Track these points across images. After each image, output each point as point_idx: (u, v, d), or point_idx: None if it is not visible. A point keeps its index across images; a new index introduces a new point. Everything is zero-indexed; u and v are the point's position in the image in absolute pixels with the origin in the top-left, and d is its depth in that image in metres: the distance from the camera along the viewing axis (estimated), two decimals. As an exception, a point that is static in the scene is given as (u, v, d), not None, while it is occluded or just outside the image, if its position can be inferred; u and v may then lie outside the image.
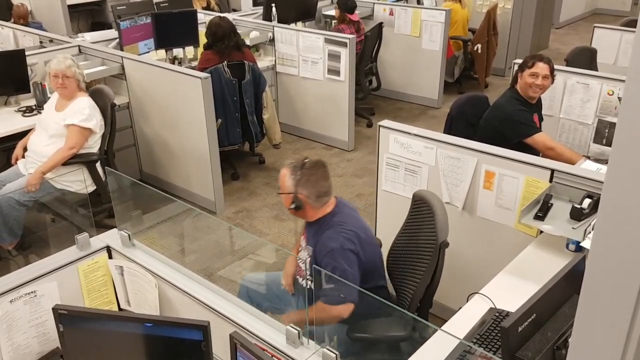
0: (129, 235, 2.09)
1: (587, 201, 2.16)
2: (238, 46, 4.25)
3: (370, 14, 6.07)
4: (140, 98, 4.15)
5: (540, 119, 3.30)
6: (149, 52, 4.72)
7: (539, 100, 3.28)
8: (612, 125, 3.54)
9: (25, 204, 3.30)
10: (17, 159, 3.48)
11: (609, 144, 3.60)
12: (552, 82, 3.18)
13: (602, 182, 2.18)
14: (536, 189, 2.41)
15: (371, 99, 6.04)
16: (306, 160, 2.27)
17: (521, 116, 3.08)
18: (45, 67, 3.21)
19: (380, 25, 5.50)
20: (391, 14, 5.87)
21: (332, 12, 5.81)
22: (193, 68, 4.50)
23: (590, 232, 2.01)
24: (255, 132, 4.42)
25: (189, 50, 4.94)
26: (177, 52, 4.90)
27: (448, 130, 3.36)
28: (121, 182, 2.49)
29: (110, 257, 2.11)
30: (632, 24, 5.28)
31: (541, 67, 3.06)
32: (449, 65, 6.11)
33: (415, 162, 2.81)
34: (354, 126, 5.11)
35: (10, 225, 3.31)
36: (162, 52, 4.83)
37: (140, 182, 2.48)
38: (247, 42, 5.07)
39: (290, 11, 5.66)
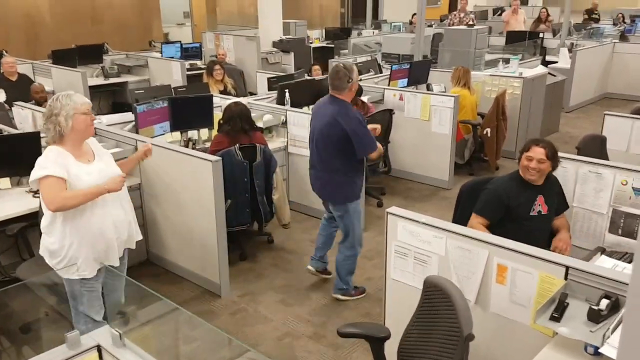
0: (119, 334, 1.98)
1: (604, 302, 2.06)
2: (244, 130, 4.32)
3: (380, 98, 6.20)
4: (151, 179, 4.19)
5: (553, 201, 3.33)
6: (164, 134, 4.81)
7: (551, 182, 3.35)
8: (628, 215, 3.47)
9: None
10: None
11: (625, 235, 3.52)
12: (554, 166, 3.28)
13: (619, 282, 2.10)
14: (551, 286, 2.31)
15: (382, 179, 6.05)
16: None
17: (487, 193, 3.29)
18: (65, 110, 2.70)
19: (390, 112, 5.59)
20: (401, 99, 5.99)
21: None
22: (206, 149, 4.58)
23: (609, 337, 1.91)
24: (264, 212, 4.43)
25: (204, 132, 5.04)
26: (192, 134, 5.00)
27: (458, 211, 3.54)
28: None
29: (100, 357, 2.00)
30: (642, 110, 5.31)
31: (536, 151, 3.20)
32: (459, 148, 6.15)
33: (424, 251, 2.74)
34: (364, 206, 5.07)
35: None
36: (177, 134, 4.93)
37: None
38: (260, 125, 5.19)
39: (303, 95, 5.80)
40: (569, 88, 8.83)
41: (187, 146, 4.82)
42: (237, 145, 4.20)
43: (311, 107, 5.93)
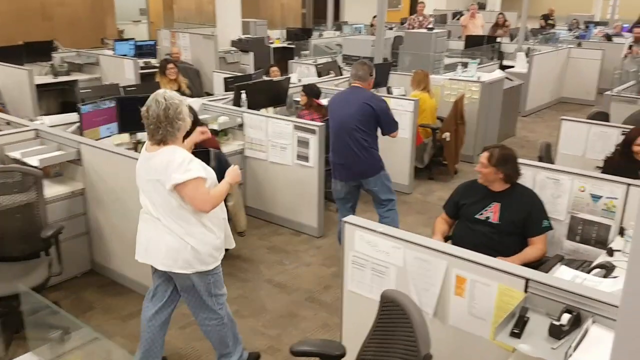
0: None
1: (565, 316, 1.98)
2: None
3: (340, 100, 6.08)
4: (96, 184, 3.95)
5: (515, 215, 3.23)
6: (110, 136, 4.56)
7: (518, 195, 3.28)
8: (586, 222, 3.45)
9: None
10: None
11: (582, 242, 3.50)
12: (504, 174, 3.22)
13: (580, 295, 2.03)
14: (510, 299, 2.23)
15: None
16: None
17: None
18: (184, 109, 2.76)
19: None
20: (361, 101, 5.89)
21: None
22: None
23: (571, 355, 1.83)
24: None
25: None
26: (142, 135, 4.76)
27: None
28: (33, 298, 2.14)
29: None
30: (598, 116, 5.37)
31: (482, 156, 3.30)
32: (419, 152, 6.11)
33: (382, 262, 2.63)
34: (323, 212, 4.95)
35: None
36: (125, 136, 4.69)
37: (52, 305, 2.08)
38: (215, 127, 5.00)
39: (260, 97, 5.64)
40: (525, 92, 8.94)
41: (135, 149, 4.59)
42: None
43: (269, 109, 5.83)
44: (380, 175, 4.23)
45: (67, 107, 6.93)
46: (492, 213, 3.26)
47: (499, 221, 3.23)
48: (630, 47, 9.88)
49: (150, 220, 2.80)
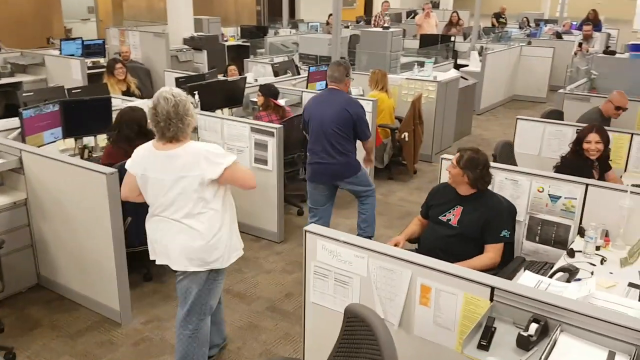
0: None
1: (533, 326, 1.94)
2: (142, 138, 3.90)
3: (298, 101, 5.97)
4: (39, 194, 3.70)
5: (475, 221, 3.18)
6: (55, 141, 4.32)
7: (482, 201, 3.21)
8: (545, 222, 3.46)
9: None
10: None
11: (542, 242, 3.51)
12: (469, 178, 3.15)
13: (547, 304, 1.98)
14: (476, 308, 2.18)
15: (302, 185, 5.82)
16: None
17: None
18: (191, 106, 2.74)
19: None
20: (319, 101, 5.79)
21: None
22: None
23: (541, 367, 1.78)
24: None
25: (101, 139, 4.58)
26: (88, 140, 4.54)
27: None
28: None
29: None
30: (552, 114, 5.45)
31: (454, 156, 3.27)
32: (378, 152, 6.06)
33: (345, 272, 2.54)
34: (283, 217, 4.83)
35: None
36: (70, 141, 4.45)
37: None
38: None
39: (215, 98, 5.46)
40: (479, 91, 9.04)
41: (82, 154, 4.37)
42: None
43: (224, 110, 5.66)
44: (358, 176, 4.30)
45: (12, 110, 6.56)
46: (453, 216, 3.23)
47: (457, 225, 3.19)
48: (580, 44, 10.16)
49: (164, 221, 2.75)
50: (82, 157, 4.37)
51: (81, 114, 4.38)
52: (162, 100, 2.65)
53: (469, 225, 3.16)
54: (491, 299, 2.14)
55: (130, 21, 12.73)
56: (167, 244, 2.76)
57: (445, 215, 3.26)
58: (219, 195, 2.75)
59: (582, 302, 2.09)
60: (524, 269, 2.51)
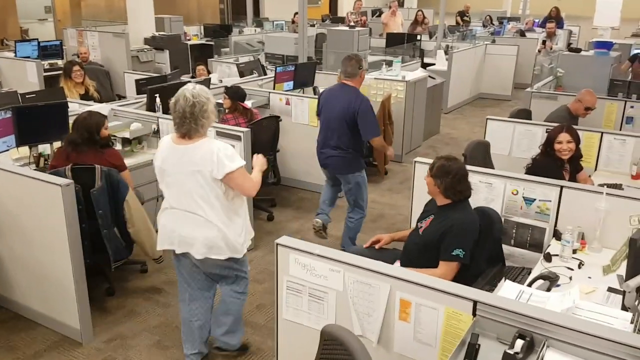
0: None
1: (519, 343, 1.85)
2: (90, 145, 3.73)
3: (266, 103, 5.83)
4: (-10, 208, 3.46)
5: (437, 232, 3.03)
6: (8, 149, 4.06)
7: (447, 214, 3.05)
8: (520, 225, 3.41)
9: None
10: None
11: (517, 245, 3.45)
12: (440, 187, 3.01)
13: (532, 317, 1.90)
14: (458, 322, 2.08)
15: (271, 189, 5.68)
16: None
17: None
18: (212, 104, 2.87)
19: (277, 119, 5.24)
20: (287, 103, 5.66)
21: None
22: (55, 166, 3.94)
23: (531, 389, 1.69)
24: (114, 247, 3.60)
25: (58, 146, 4.33)
26: (44, 148, 4.29)
27: None
28: None
29: None
30: (521, 113, 5.44)
31: None
32: (348, 154, 5.95)
33: (320, 286, 2.41)
34: (253, 222, 4.66)
35: None
36: (24, 149, 4.19)
37: None
38: (127, 135, 4.59)
39: (178, 100, 5.24)
40: (446, 90, 9.04)
41: (37, 163, 4.12)
42: (71, 165, 3.52)
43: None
44: (356, 176, 4.32)
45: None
46: (424, 225, 3.14)
47: (422, 234, 3.11)
48: (543, 42, 10.27)
49: (179, 213, 2.87)
50: (37, 166, 4.13)
51: (35, 120, 4.13)
52: (181, 99, 2.78)
53: (428, 236, 3.04)
54: (474, 314, 2.05)
55: (89, 21, 12.31)
56: (186, 235, 2.87)
57: (420, 223, 3.17)
58: (230, 189, 2.86)
59: (568, 315, 2.02)
60: (504, 278, 2.43)
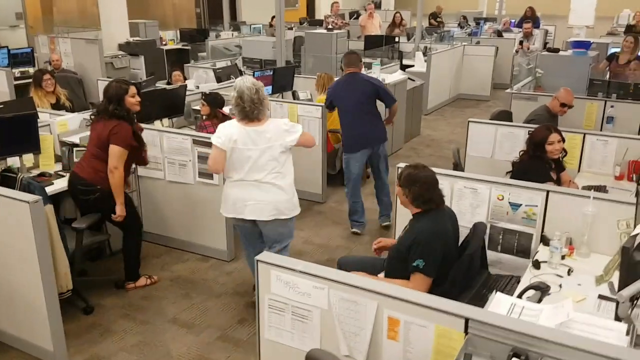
0: None
1: (515, 362, 1.76)
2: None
3: (243, 108, 5.69)
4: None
5: (405, 243, 2.98)
6: (-27, 163, 3.88)
7: (414, 224, 3.03)
8: (506, 231, 3.34)
9: None
10: None
11: (504, 251, 3.39)
12: (404, 192, 2.96)
13: (528, 335, 1.81)
14: (449, 341, 1.99)
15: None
16: None
17: None
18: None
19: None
20: (265, 109, 5.54)
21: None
22: (33, 178, 3.77)
23: (529, 414, 1.60)
24: None
25: (28, 159, 4.17)
26: (13, 161, 4.11)
27: None
28: None
29: None
30: (501, 115, 5.40)
31: None
32: (330, 158, 5.88)
33: (304, 305, 2.30)
34: (232, 232, 4.54)
35: None
36: (-9, 163, 4.01)
37: None
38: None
39: (153, 107, 5.10)
40: (426, 91, 9.00)
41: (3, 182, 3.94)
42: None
43: (164, 120, 5.32)
44: (386, 142, 5.07)
45: None
46: (402, 232, 3.05)
47: (396, 244, 3.03)
48: (521, 42, 10.30)
49: (254, 184, 3.40)
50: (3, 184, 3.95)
51: (3, 132, 3.95)
52: (245, 89, 3.30)
53: (401, 246, 2.96)
54: (465, 332, 1.96)
55: (62, 27, 12.02)
56: (259, 201, 3.40)
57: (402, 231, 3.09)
58: (289, 160, 3.48)
59: (564, 331, 1.94)
60: (495, 291, 2.35)
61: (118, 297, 3.94)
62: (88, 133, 4.51)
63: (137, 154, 3.88)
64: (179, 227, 4.65)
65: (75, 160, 4.26)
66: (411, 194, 2.91)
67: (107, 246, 4.43)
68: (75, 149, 4.24)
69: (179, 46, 10.88)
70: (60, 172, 4.23)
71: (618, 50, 7.19)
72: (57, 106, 5.77)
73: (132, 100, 3.80)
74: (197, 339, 3.49)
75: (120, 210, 3.72)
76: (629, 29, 11.67)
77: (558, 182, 3.91)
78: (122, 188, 3.75)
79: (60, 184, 4.00)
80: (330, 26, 10.28)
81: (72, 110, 5.60)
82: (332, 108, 5.07)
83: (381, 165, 5.03)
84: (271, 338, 2.41)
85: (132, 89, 3.82)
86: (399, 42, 10.47)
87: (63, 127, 4.49)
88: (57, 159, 4.39)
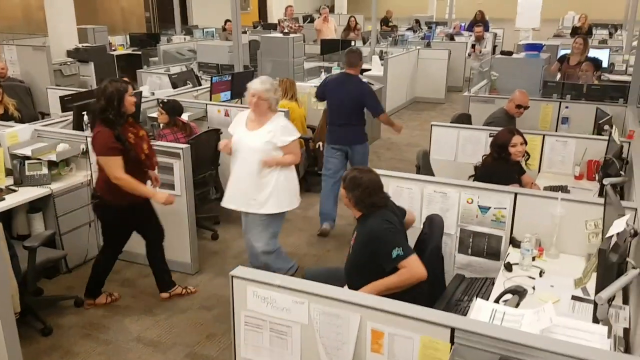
0: None
1: (504, 372, 1.74)
2: None
3: (203, 115, 5.55)
4: None
5: (359, 248, 2.95)
6: None
7: (364, 225, 2.94)
8: (476, 234, 3.36)
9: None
10: None
11: (474, 254, 3.40)
12: (348, 196, 2.92)
13: (515, 343, 1.80)
14: (435, 352, 1.95)
15: (214, 206, 5.39)
16: None
17: None
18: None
19: (217, 132, 5.00)
20: (226, 115, 5.42)
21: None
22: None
23: None
24: None
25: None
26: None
27: None
28: None
29: None
30: (461, 118, 5.46)
31: None
32: (319, 158, 5.81)
33: (283, 320, 2.22)
34: (196, 244, 4.40)
35: None
36: None
37: None
38: (53, 157, 4.21)
39: (108, 116, 4.88)
40: (384, 95, 9.04)
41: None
42: None
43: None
44: (365, 146, 5.13)
45: None
46: (352, 241, 3.01)
47: (351, 250, 2.99)
48: (473, 46, 10.52)
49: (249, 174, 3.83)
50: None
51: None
52: (260, 85, 3.77)
53: (357, 252, 2.92)
54: (451, 342, 1.93)
55: (6, 34, 11.47)
56: (251, 193, 3.85)
57: (352, 239, 3.02)
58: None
59: (549, 337, 1.94)
60: (476, 297, 2.34)
61: (77, 316, 3.74)
62: (40, 144, 4.32)
63: (135, 158, 3.48)
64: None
65: (28, 173, 4.04)
66: (354, 198, 2.88)
67: (64, 263, 4.21)
68: (27, 161, 4.01)
69: (129, 51, 10.58)
70: (12, 187, 3.99)
71: (568, 52, 7.41)
72: (5, 117, 5.45)
73: (131, 99, 3.49)
74: (164, 357, 3.34)
75: (157, 197, 3.68)
76: (575, 31, 12.11)
77: (520, 185, 3.96)
78: (140, 186, 3.54)
79: (11, 200, 3.78)
80: (285, 30, 10.21)
81: (21, 121, 5.30)
82: (322, 99, 5.25)
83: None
84: (248, 357, 2.32)
85: (131, 88, 3.55)
86: (355, 46, 10.49)
87: (13, 138, 4.24)
88: (8, 172, 4.14)
